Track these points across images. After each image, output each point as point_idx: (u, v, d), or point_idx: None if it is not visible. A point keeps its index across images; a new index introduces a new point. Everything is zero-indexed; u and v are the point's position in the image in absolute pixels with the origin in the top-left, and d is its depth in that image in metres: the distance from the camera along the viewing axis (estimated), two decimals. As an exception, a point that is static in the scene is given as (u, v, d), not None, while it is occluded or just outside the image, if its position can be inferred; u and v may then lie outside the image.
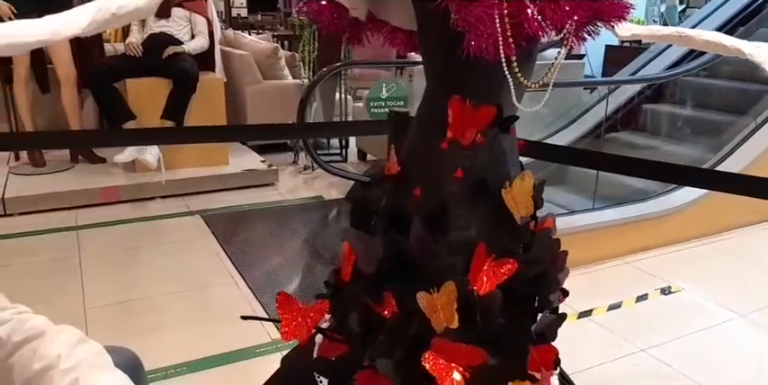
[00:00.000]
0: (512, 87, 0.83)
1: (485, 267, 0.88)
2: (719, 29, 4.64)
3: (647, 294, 2.74)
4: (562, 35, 0.81)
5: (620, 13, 0.85)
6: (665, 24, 6.62)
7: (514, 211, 0.89)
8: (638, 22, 6.86)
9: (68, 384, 0.82)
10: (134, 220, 3.54)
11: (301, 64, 4.93)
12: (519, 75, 0.83)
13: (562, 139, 4.27)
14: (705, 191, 3.31)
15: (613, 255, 3.08)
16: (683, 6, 8.26)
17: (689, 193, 3.33)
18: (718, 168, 3.39)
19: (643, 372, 2.18)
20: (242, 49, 4.86)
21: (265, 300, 2.61)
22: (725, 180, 1.47)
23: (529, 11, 0.76)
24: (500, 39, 0.76)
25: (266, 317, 2.47)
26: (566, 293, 1.00)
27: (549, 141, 4.09)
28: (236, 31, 5.59)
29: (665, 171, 1.66)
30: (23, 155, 4.14)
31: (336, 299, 0.98)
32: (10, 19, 3.64)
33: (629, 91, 4.43)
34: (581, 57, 5.10)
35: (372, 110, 3.50)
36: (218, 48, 4.26)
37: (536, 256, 0.91)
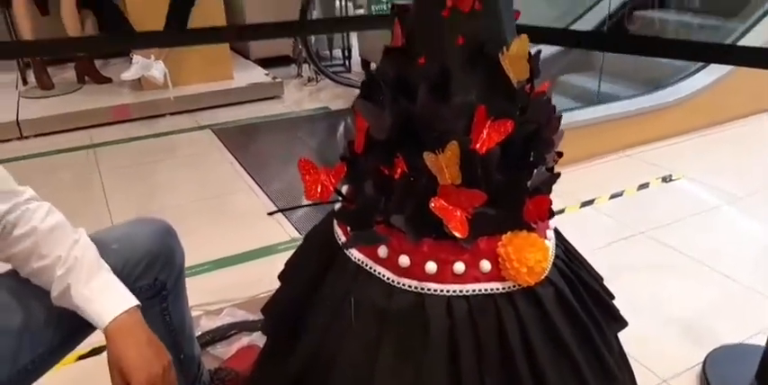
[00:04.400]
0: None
1: (485, 128, 0.96)
2: None
3: (648, 183, 2.84)
4: None
5: None
6: None
7: (511, 75, 0.96)
8: None
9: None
10: (147, 137, 3.63)
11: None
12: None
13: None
14: (705, 82, 3.34)
15: (615, 149, 3.16)
16: None
17: (689, 86, 3.36)
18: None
19: (643, 252, 2.32)
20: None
21: (282, 205, 2.74)
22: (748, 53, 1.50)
23: None
24: None
25: (286, 219, 2.61)
26: (560, 155, 1.08)
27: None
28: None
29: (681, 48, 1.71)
30: (31, 79, 4.18)
31: (352, 168, 1.07)
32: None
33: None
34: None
35: (374, 11, 3.50)
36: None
37: (531, 117, 0.99)
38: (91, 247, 1.01)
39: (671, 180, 2.86)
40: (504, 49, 0.95)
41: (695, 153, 3.20)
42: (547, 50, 3.78)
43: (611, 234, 2.42)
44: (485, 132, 0.96)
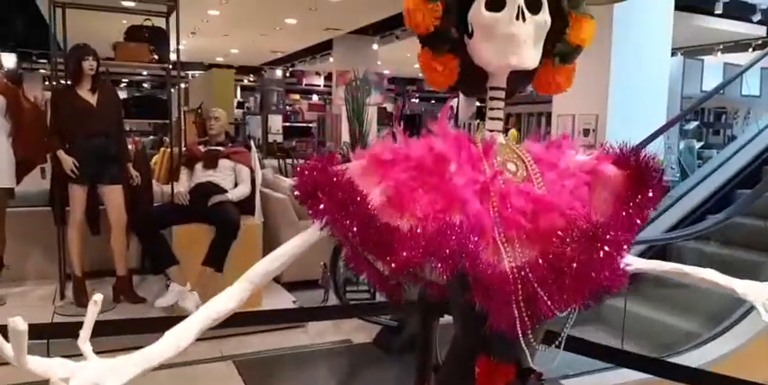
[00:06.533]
0: (526, 351, 0.99)
1: None
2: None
3: None
4: (569, 310, 0.97)
5: (620, 282, 1.02)
6: (683, 169, 6.86)
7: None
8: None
9: None
10: (168, 366, 3.62)
11: (334, 205, 5.18)
12: (532, 341, 0.99)
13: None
14: (722, 352, 3.33)
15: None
16: (701, 144, 8.61)
17: (701, 356, 3.35)
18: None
19: None
20: (279, 192, 5.18)
21: None
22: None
23: (539, 297, 0.93)
24: (517, 321, 0.93)
25: None
26: None
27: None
28: (276, 175, 5.98)
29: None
30: (68, 293, 4.34)
31: None
32: (73, 172, 4.01)
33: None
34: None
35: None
36: (258, 194, 4.54)
37: None
38: None
39: None
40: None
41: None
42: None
43: None
44: None
